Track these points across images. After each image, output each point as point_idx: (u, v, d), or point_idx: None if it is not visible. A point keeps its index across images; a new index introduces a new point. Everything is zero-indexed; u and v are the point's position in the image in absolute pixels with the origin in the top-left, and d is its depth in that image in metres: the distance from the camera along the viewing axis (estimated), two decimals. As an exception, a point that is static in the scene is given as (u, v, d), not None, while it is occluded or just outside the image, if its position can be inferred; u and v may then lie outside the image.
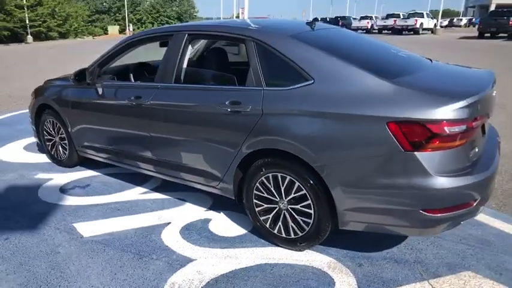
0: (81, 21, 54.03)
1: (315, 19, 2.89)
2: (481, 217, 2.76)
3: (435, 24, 32.75)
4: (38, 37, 39.21)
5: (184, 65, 2.74)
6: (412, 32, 31.16)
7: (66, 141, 3.67)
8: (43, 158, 4.10)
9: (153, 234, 2.63)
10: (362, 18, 37.42)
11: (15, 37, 35.43)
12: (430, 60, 2.81)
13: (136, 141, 3.00)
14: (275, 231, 2.43)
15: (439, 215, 1.94)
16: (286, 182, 2.27)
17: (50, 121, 3.75)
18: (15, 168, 3.85)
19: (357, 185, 2.03)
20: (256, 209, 2.46)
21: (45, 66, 12.62)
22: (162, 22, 71.27)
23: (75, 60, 12.48)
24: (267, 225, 2.45)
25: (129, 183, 3.45)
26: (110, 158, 3.34)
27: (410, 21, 30.29)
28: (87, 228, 2.72)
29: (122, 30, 62.28)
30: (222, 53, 3.15)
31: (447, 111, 1.82)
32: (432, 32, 32.17)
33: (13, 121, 5.73)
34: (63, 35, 45.84)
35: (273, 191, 2.34)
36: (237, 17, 53.08)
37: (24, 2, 36.54)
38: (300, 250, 2.39)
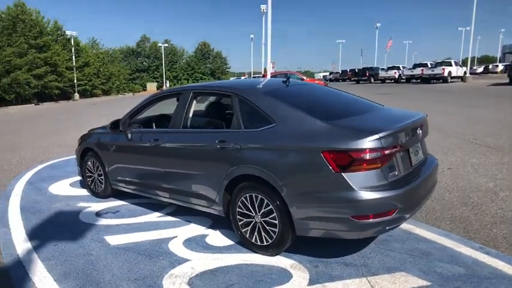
0: (122, 79, 59.47)
1: (288, 78, 3.84)
2: (429, 235, 3.38)
3: (465, 71, 33.21)
4: (83, 94, 43.39)
5: (190, 115, 3.75)
6: (441, 81, 31.73)
7: (102, 177, 4.70)
8: (84, 192, 5.14)
9: (163, 244, 3.46)
10: (389, 68, 38.61)
11: (64, 95, 39.50)
12: (382, 105, 3.66)
13: (154, 174, 3.94)
14: (252, 240, 3.19)
15: (365, 221, 2.65)
16: (258, 200, 3.07)
17: (91, 161, 4.83)
18: (62, 199, 4.90)
19: (305, 199, 2.80)
20: (239, 223, 3.25)
21: (90, 119, 14.45)
22: (196, 78, 76.54)
23: (114, 114, 14.21)
24: (247, 236, 3.22)
25: (149, 210, 4.36)
26: (136, 189, 4.30)
27: (438, 70, 31.03)
28: (114, 239, 3.60)
29: (160, 87, 67.35)
30: (216, 104, 4.13)
31: (364, 143, 2.61)
32: (462, 80, 32.58)
33: (62, 165, 6.98)
34: (106, 92, 50.39)
35: (250, 207, 3.14)
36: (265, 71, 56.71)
37: (74, 64, 41.00)
38: (271, 255, 3.12)
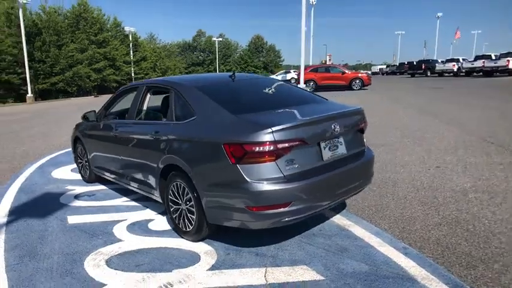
0: (178, 72, 62.20)
1: (233, 73, 3.93)
2: (361, 232, 3.34)
3: (535, 64, 29.92)
4: (140, 87, 46.11)
5: (143, 107, 4.04)
6: (506, 74, 29.02)
7: (87, 163, 5.19)
8: (78, 177, 5.71)
9: (110, 225, 3.80)
10: (448, 61, 36.02)
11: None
12: (326, 99, 3.69)
13: (116, 162, 4.31)
14: (180, 226, 3.40)
15: (260, 211, 2.73)
16: (181, 188, 3.27)
17: (80, 148, 5.35)
18: (57, 182, 5.50)
19: (211, 189, 2.95)
20: (171, 209, 3.49)
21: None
22: (249, 71, 77.73)
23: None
24: (176, 221, 3.44)
25: (121, 194, 4.75)
26: (107, 175, 4.71)
27: (501, 62, 28.42)
28: (74, 219, 4.03)
29: (213, 80, 69.35)
30: (161, 98, 4.31)
31: (256, 136, 2.69)
32: (531, 73, 29.44)
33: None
34: (161, 85, 53.03)
35: (177, 195, 3.36)
36: (324, 62, 55.36)
37: (131, 58, 43.75)
38: (193, 241, 3.31)
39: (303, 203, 2.80)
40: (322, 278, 2.69)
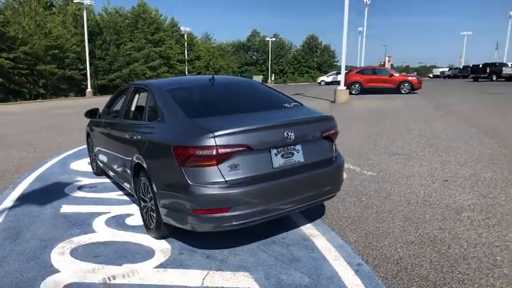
0: (231, 72, 63.57)
1: (213, 76, 3.98)
2: (318, 244, 3.24)
3: None
4: (192, 85, 47.81)
5: (130, 108, 4.25)
6: None
7: (95, 157, 5.56)
8: (90, 169, 6.13)
9: (92, 217, 4.06)
10: (517, 64, 32.87)
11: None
12: (300, 104, 3.65)
13: (109, 156, 4.58)
14: (146, 222, 3.54)
15: (200, 214, 2.77)
16: (146, 187, 3.41)
17: (89, 142, 5.75)
18: (71, 173, 5.95)
19: (164, 189, 3.04)
20: (141, 206, 3.64)
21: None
22: (302, 72, 77.15)
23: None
24: (144, 217, 3.59)
25: (117, 189, 5.03)
26: (105, 169, 5.02)
27: None
28: (66, 208, 4.35)
29: (265, 80, 70.01)
30: (143, 99, 4.45)
31: (198, 140, 2.73)
32: None
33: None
34: (213, 84, 54.54)
35: (144, 193, 3.50)
36: (383, 64, 53.51)
37: (186, 57, 45.55)
38: (156, 237, 3.43)
39: (245, 208, 2.79)
40: (257, 287, 2.66)
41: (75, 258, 3.15)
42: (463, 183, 4.78)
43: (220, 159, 2.74)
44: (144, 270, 2.92)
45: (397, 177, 5.20)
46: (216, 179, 2.75)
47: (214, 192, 2.73)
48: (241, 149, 2.79)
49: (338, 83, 22.22)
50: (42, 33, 28.03)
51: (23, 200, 4.69)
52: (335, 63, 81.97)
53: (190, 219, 2.86)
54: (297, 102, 3.82)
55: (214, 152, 2.72)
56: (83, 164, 6.56)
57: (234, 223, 2.83)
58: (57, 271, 2.95)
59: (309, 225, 3.68)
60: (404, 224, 3.64)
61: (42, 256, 3.20)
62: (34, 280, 2.81)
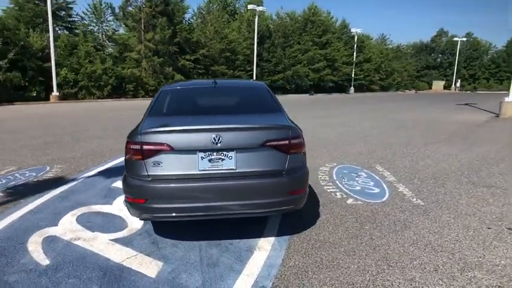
0: (406, 76, 59.14)
1: (214, 80, 4.23)
2: (257, 259, 3.19)
3: None
4: (359, 89, 46.98)
5: None
6: None
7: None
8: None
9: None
10: None
11: (339, 88, 44.29)
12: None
13: None
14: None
15: (129, 202, 3.18)
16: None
17: None
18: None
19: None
20: None
21: (344, 112, 16.71)
22: (500, 78, 64.83)
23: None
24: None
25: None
26: None
27: None
28: (117, 184, 5.43)
29: (448, 86, 62.25)
30: None
31: (129, 136, 3.18)
32: None
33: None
34: (384, 88, 52.16)
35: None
36: None
37: (354, 59, 45.09)
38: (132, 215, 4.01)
39: (163, 203, 3.06)
40: (153, 276, 2.91)
41: (76, 219, 4.05)
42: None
43: (145, 155, 3.08)
44: (100, 240, 3.55)
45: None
46: (142, 173, 3.11)
47: (135, 184, 3.11)
48: (163, 148, 3.05)
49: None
50: (219, 38, 32.89)
51: (101, 173, 6.06)
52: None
53: (125, 204, 3.31)
54: (280, 109, 3.73)
55: (139, 148, 3.09)
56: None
57: (155, 215, 3.14)
58: (55, 225, 3.88)
59: (270, 238, 3.58)
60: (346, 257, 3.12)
61: (59, 216, 4.19)
62: (31, 232, 3.75)
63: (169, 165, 3.09)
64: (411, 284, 2.78)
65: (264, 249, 3.36)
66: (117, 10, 29.73)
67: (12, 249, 3.35)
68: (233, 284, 2.80)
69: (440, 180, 5.61)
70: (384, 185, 5.31)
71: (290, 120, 3.55)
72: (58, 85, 23.32)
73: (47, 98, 23.48)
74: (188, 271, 2.97)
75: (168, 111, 3.69)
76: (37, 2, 25.91)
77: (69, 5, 27.78)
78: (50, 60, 22.46)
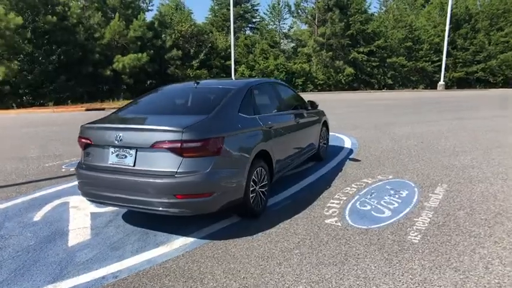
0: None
1: (196, 81, 4.40)
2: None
3: None
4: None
5: None
6: None
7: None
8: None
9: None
10: None
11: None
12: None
13: None
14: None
15: (78, 184, 3.62)
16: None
17: None
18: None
19: None
20: None
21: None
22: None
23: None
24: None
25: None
26: None
27: None
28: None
29: None
30: None
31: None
32: None
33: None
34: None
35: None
36: None
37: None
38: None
39: (86, 187, 3.50)
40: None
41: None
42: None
43: (81, 146, 3.61)
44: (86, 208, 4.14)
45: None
46: (80, 161, 3.66)
47: (76, 169, 3.64)
48: (87, 141, 3.50)
49: None
50: (399, 27, 30.19)
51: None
52: None
53: None
54: (213, 112, 3.52)
55: (78, 140, 3.63)
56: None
57: (87, 198, 3.55)
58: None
59: (190, 238, 3.37)
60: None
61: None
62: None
63: (92, 157, 3.52)
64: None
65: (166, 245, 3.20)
66: (293, 8, 31.44)
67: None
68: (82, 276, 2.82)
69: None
70: None
71: (218, 123, 3.41)
72: (234, 80, 26.63)
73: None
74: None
75: (129, 109, 4.01)
76: (228, 8, 30.16)
77: (255, 8, 31.19)
78: (230, 59, 25.89)
